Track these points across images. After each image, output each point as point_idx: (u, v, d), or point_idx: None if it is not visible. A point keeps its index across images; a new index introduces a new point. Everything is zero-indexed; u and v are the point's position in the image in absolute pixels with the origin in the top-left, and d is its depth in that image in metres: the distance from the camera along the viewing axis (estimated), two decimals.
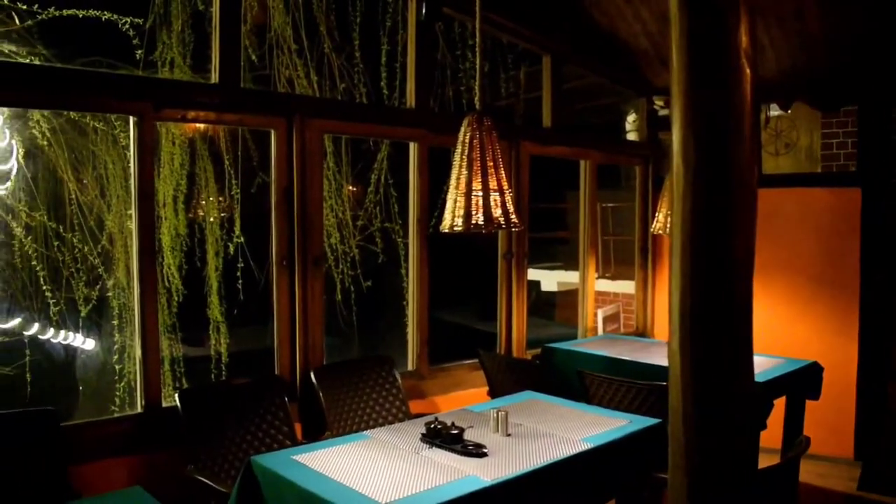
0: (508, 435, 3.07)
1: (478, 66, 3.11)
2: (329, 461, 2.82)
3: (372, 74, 4.75)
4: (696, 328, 1.63)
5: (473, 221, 2.87)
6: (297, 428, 3.82)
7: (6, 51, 3.82)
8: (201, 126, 4.52)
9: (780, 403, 4.08)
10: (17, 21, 3.87)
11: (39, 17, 3.86)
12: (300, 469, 2.75)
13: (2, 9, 3.76)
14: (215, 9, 3.77)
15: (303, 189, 3.93)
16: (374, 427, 3.82)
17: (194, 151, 4.57)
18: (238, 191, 4.54)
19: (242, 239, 4.53)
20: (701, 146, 1.61)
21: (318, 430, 3.84)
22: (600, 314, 6.23)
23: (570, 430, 3.13)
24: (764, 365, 4.12)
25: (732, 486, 1.65)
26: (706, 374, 1.63)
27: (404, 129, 4.44)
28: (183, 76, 4.37)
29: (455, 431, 2.93)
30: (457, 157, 2.94)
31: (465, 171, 2.90)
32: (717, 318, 1.63)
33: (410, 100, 4.50)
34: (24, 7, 3.81)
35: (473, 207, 2.87)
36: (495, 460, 2.78)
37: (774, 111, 5.46)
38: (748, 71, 1.65)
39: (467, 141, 2.93)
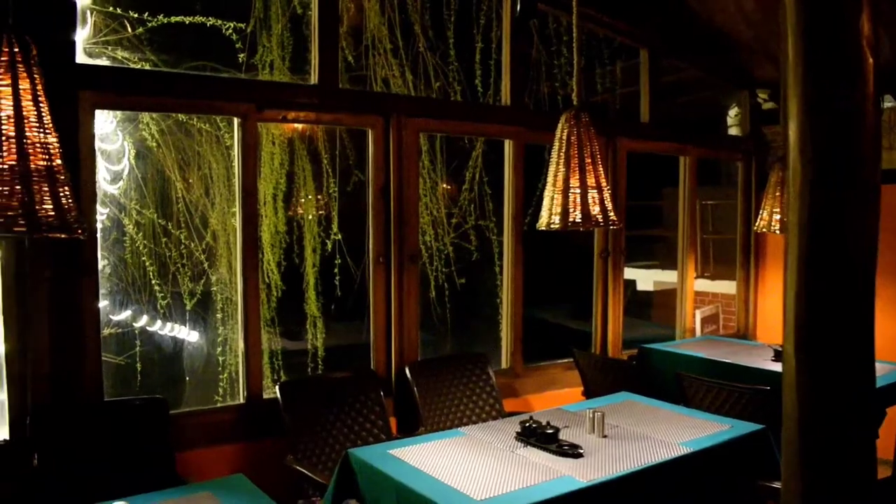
0: (605, 436, 3.02)
1: (575, 62, 3.07)
2: (424, 456, 2.84)
3: (466, 72, 4.75)
4: (813, 331, 1.54)
5: (571, 219, 2.83)
6: (392, 422, 3.88)
7: (120, 57, 3.99)
8: (299, 126, 4.64)
9: (893, 412, 3.85)
10: (130, 29, 4.04)
11: (149, 25, 4.02)
12: (396, 463, 2.78)
13: (115, 17, 3.94)
14: (314, 12, 3.86)
15: (399, 187, 3.98)
16: (467, 424, 3.83)
17: (293, 151, 4.68)
18: (336, 189, 4.63)
19: (340, 236, 4.62)
20: (820, 140, 1.53)
21: (412, 426, 3.88)
22: (698, 315, 6.05)
23: (669, 433, 3.05)
24: (877, 371, 3.90)
25: (851, 497, 1.57)
26: (824, 379, 1.55)
27: (499, 127, 4.43)
28: (282, 78, 4.48)
29: (550, 431, 2.90)
30: (554, 154, 2.91)
31: (562, 168, 2.87)
32: (836, 320, 1.54)
33: (505, 97, 4.48)
34: (135, 15, 3.97)
35: (571, 205, 2.83)
36: (591, 461, 2.74)
37: (888, 103, 5.15)
38: (870, 60, 1.55)
39: (565, 137, 2.90)
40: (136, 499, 2.28)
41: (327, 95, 3.81)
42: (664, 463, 2.76)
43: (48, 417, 3.17)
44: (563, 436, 2.91)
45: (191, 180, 4.49)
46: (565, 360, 4.65)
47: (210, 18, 4.14)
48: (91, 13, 3.85)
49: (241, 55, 4.29)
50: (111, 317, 4.28)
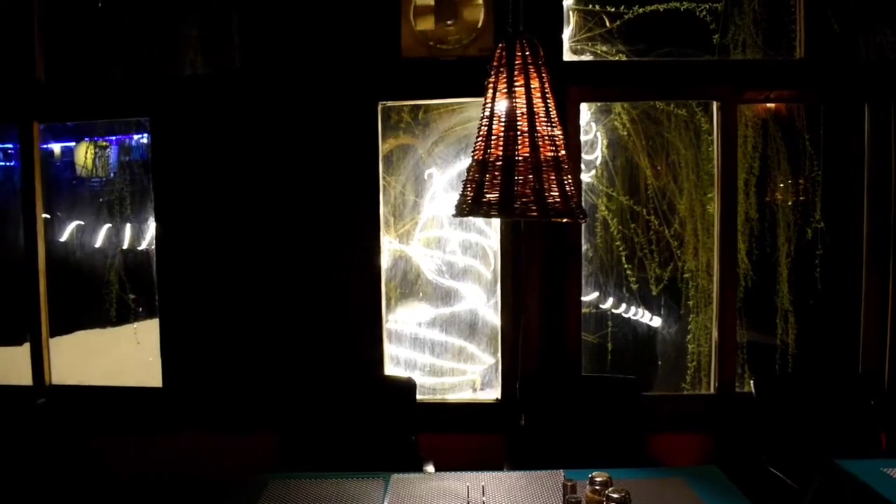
0: None
1: None
2: None
3: None
4: None
5: None
6: (881, 436, 3.43)
7: (599, 51, 4.19)
8: (771, 105, 4.35)
9: None
10: (607, 23, 4.20)
11: (626, 17, 4.13)
12: (893, 485, 2.45)
13: (592, 15, 4.13)
14: None
15: None
16: None
17: (766, 132, 4.41)
18: (819, 172, 4.23)
19: (822, 224, 4.22)
20: None
21: None
22: None
23: None
24: None
25: None
26: None
27: None
28: (755, 56, 4.24)
29: None
30: None
31: None
32: None
33: None
34: (612, 9, 4.11)
35: None
36: None
37: None
38: None
39: None
40: (611, 471, 2.36)
41: (816, 70, 3.50)
42: None
43: (535, 384, 3.51)
44: None
45: (659, 167, 4.52)
46: None
47: (684, 3, 4.10)
48: (572, 12, 4.11)
49: (715, 36, 4.17)
50: (581, 297, 4.54)
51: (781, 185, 4.37)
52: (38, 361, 3.96)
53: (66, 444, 3.83)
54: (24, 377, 4.02)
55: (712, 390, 3.65)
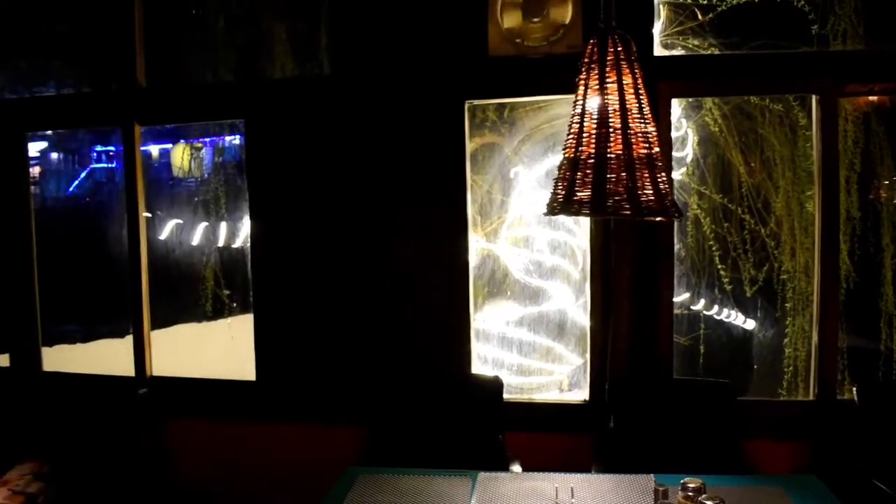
0: None
1: None
2: None
3: None
4: None
5: None
6: None
7: (690, 45, 4.08)
8: (873, 98, 4.14)
9: None
10: (700, 16, 4.09)
11: (718, 10, 4.01)
12: None
13: (684, 8, 4.02)
14: None
15: None
16: None
17: (868, 126, 4.20)
18: None
19: None
20: None
21: None
22: None
23: None
24: None
25: None
26: None
27: None
28: (857, 46, 4.04)
29: None
30: None
31: None
32: None
33: None
34: (704, 2, 4.00)
35: None
36: None
37: None
38: None
39: None
40: (704, 477, 2.28)
41: None
42: None
43: (624, 387, 3.46)
44: None
45: (752, 164, 4.38)
46: None
47: None
48: (663, 6, 4.01)
49: (814, 27, 4.00)
50: (673, 298, 4.44)
51: (885, 182, 4.17)
52: (140, 353, 4.15)
53: (164, 432, 4.00)
54: (127, 369, 4.22)
55: (811, 396, 3.50)
